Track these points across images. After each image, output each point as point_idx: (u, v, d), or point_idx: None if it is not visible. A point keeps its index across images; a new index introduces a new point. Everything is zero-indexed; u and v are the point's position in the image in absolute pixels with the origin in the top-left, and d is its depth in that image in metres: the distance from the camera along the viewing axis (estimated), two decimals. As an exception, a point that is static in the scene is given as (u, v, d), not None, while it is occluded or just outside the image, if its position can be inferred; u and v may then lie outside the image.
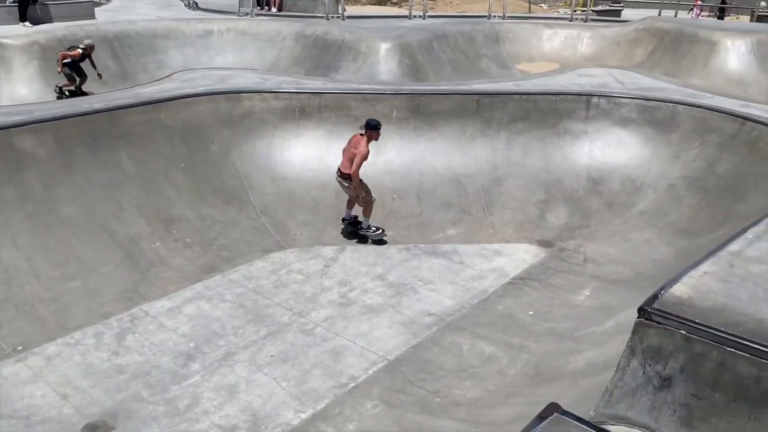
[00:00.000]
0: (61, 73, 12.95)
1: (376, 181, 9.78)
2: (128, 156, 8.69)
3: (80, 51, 13.12)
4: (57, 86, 13.08)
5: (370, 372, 6.19)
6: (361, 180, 8.52)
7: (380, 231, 8.99)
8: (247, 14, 18.28)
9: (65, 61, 12.86)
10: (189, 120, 9.61)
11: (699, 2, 26.54)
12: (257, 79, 11.26)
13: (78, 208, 7.87)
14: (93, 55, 13.50)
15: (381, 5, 29.68)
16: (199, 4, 19.95)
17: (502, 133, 10.41)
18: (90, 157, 8.34)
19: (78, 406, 5.60)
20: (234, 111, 10.05)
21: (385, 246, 8.89)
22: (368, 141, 8.54)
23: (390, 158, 10.08)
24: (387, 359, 6.39)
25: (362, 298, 7.55)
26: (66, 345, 6.45)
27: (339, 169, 8.69)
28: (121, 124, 8.81)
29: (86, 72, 13.38)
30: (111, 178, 8.37)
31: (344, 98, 10.38)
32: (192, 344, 6.55)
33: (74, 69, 13.05)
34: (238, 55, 16.14)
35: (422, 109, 10.37)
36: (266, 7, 20.92)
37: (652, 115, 10.10)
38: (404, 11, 21.36)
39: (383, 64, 14.30)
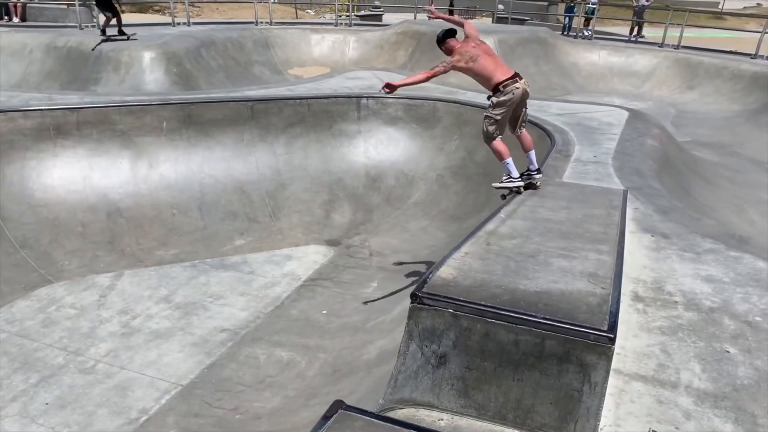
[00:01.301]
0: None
1: (151, 197, 9.26)
2: None
3: None
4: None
5: (163, 401, 5.82)
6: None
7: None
8: (-19, 24, 16.09)
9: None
10: None
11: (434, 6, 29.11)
12: (1, 98, 9.97)
13: None
14: None
15: (142, 12, 28.03)
16: None
17: (281, 137, 10.45)
18: None
19: None
20: (-27, 133, 8.79)
21: (168, 265, 8.42)
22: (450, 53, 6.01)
23: (165, 172, 9.57)
24: (180, 384, 6.06)
25: (147, 325, 7.07)
26: None
27: (513, 72, 5.97)
28: None
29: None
30: None
31: (106, 112, 9.61)
32: (-58, 409, 5.61)
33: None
34: (-23, 72, 14.14)
35: (195, 118, 10.00)
36: (5, 17, 18.59)
37: (417, 113, 10.85)
38: (167, 18, 20.40)
39: (149, 74, 13.51)
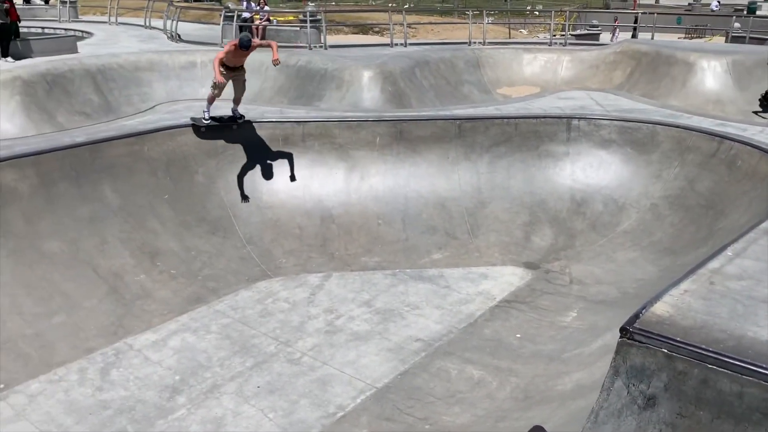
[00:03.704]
0: None
1: (360, 206, 9.82)
2: (112, 189, 8.65)
3: None
4: None
5: (359, 400, 6.14)
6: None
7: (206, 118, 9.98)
8: (230, 45, 18.35)
9: None
10: (173, 151, 9.60)
11: (617, 23, 27.19)
12: (241, 110, 11.28)
13: (61, 242, 7.80)
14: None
15: (363, 34, 30.02)
16: (182, 37, 20.07)
17: (485, 156, 10.51)
18: (73, 191, 8.29)
19: (61, 445, 5.50)
20: (218, 141, 10.07)
21: (371, 272, 8.88)
22: (234, 49, 9.32)
23: (374, 184, 10.12)
24: (375, 387, 6.34)
25: (349, 326, 7.51)
26: (49, 382, 6.34)
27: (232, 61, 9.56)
28: (103, 157, 8.78)
29: None
30: (94, 211, 8.32)
31: (328, 126, 10.45)
32: (177, 377, 6.47)
33: None
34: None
35: (405, 134, 10.46)
36: (248, 38, 21.03)
37: (632, 136, 10.24)
38: (386, 39, 21.59)
39: (366, 92, 14.41)
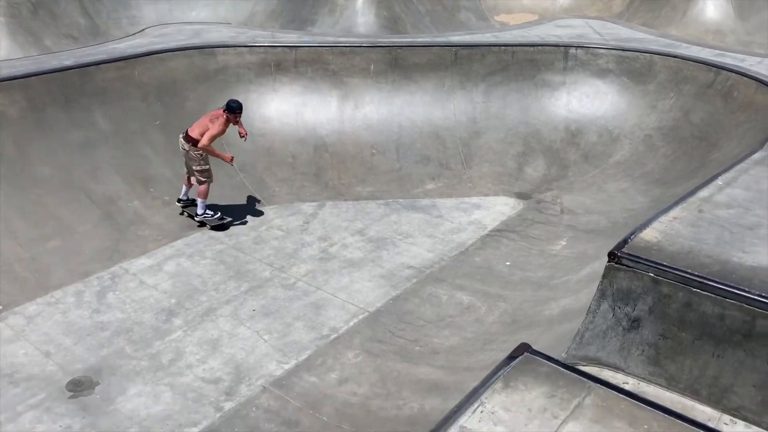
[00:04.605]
0: None
1: (354, 135, 9.75)
2: (103, 115, 8.54)
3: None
4: None
5: (351, 323, 6.29)
6: (206, 153, 7.71)
7: (217, 215, 8.02)
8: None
9: None
10: (163, 76, 9.43)
11: None
12: (232, 34, 11.03)
13: (53, 167, 7.76)
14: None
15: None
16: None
17: (481, 85, 10.38)
18: (63, 116, 8.18)
19: (61, 363, 5.64)
20: (209, 66, 9.88)
21: (364, 201, 8.91)
22: (227, 122, 7.76)
23: (368, 113, 10.02)
24: (368, 311, 6.49)
25: (342, 253, 7.61)
26: (46, 304, 6.45)
27: (186, 131, 7.75)
28: (93, 82, 8.62)
29: None
30: (86, 137, 8.24)
31: (321, 52, 10.23)
32: (173, 300, 6.59)
33: None
34: (211, 9, 15.68)
35: (400, 62, 10.27)
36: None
37: (629, 66, 10.11)
38: (381, -38, 20.84)
39: (360, 17, 14.03)
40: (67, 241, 7.24)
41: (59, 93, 8.25)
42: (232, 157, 7.92)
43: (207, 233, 7.91)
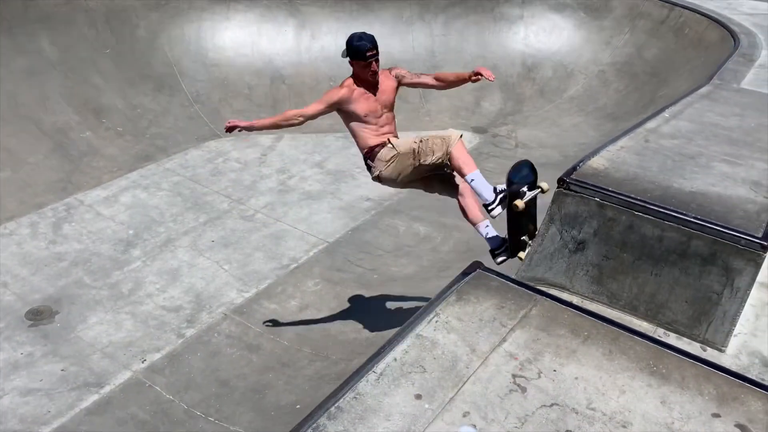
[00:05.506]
0: None
1: (312, 67, 9.63)
2: (49, 41, 8.22)
3: None
4: None
5: (311, 253, 6.42)
6: None
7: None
8: None
9: None
10: (112, 2, 9.05)
11: None
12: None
13: (-2, 96, 7.50)
14: None
15: None
16: None
17: (440, 17, 10.30)
18: (6, 41, 7.84)
19: (19, 294, 5.64)
20: (159, -8, 9.52)
21: (323, 134, 8.90)
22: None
23: (325, 44, 9.87)
24: (327, 242, 6.61)
25: (301, 185, 7.65)
26: (0, 235, 6.36)
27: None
28: (37, 7, 8.24)
29: None
30: (32, 64, 7.94)
31: (277, -21, 9.95)
32: (131, 231, 6.58)
33: None
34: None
35: (358, -9, 10.10)
36: None
37: (587, 0, 10.16)
38: None
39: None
40: (18, 173, 7.09)
41: (1, 18, 7.87)
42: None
43: (162, 165, 7.83)
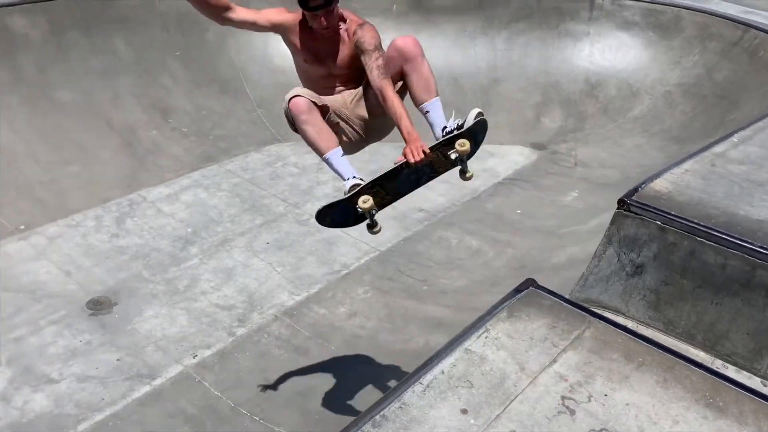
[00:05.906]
0: None
1: (373, 77, 9.72)
2: (124, 42, 8.55)
3: None
4: None
5: (362, 261, 6.46)
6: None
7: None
8: None
9: None
10: (183, 6, 9.30)
11: None
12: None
13: (74, 93, 7.85)
14: None
15: None
16: None
17: (503, 32, 10.23)
18: (84, 41, 8.21)
19: (81, 283, 5.87)
20: (229, -1, 9.79)
21: (380, 143, 8.93)
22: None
23: (388, 54, 9.94)
24: (379, 250, 6.64)
25: (356, 192, 7.71)
26: (67, 226, 6.65)
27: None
28: (115, 8, 8.59)
29: None
30: (107, 64, 8.28)
31: (343, -10, 10.09)
32: (190, 229, 6.77)
33: None
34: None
35: (423, 3, 10.14)
36: None
37: (656, 19, 9.91)
38: None
39: (384, -44, 13.75)
40: (87, 167, 7.39)
41: (81, 18, 8.24)
42: None
43: (224, 167, 8.03)
